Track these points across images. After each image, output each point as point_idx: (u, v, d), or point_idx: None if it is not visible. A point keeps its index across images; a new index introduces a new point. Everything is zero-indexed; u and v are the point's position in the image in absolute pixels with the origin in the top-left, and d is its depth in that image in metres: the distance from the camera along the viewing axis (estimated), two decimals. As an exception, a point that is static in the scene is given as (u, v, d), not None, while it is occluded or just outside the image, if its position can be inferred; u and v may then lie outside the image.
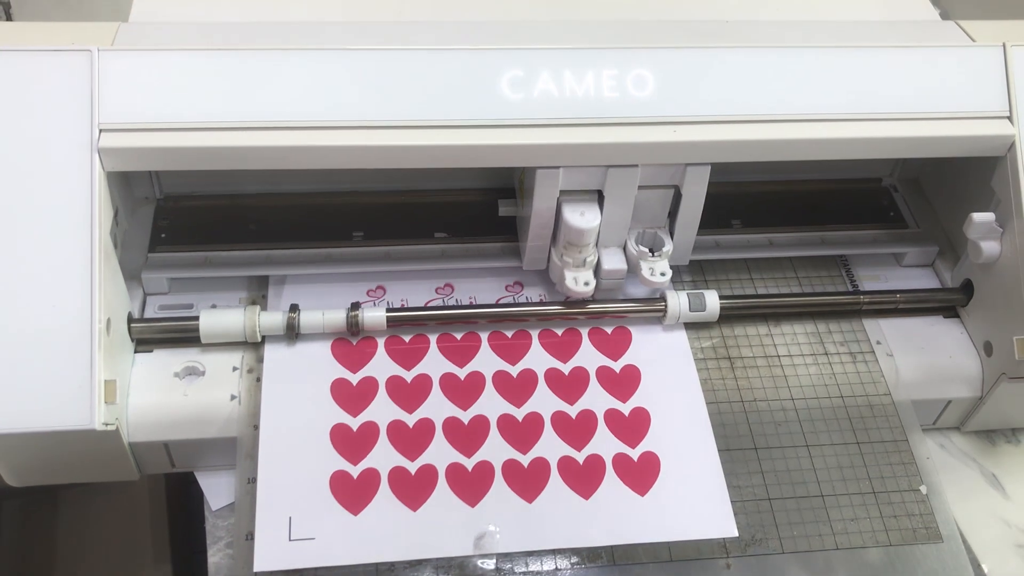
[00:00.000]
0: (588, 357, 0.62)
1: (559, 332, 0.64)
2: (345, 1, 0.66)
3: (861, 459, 0.60)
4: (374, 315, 0.61)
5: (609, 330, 0.64)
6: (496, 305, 0.65)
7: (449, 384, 0.60)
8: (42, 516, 0.88)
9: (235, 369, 0.60)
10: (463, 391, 0.60)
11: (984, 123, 0.61)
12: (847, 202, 0.74)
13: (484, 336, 0.63)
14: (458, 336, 0.63)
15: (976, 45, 0.62)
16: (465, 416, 0.59)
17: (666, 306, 0.63)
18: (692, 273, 0.69)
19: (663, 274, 0.62)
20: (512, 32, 0.61)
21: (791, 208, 0.72)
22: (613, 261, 0.63)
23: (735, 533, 0.56)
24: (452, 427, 0.59)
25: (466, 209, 0.70)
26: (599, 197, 0.61)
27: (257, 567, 0.52)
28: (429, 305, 0.65)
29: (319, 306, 0.61)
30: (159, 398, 0.58)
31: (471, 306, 0.65)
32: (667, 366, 0.62)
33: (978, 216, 0.62)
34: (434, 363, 0.61)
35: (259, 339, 0.61)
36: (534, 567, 0.56)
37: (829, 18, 0.68)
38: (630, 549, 0.56)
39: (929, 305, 0.68)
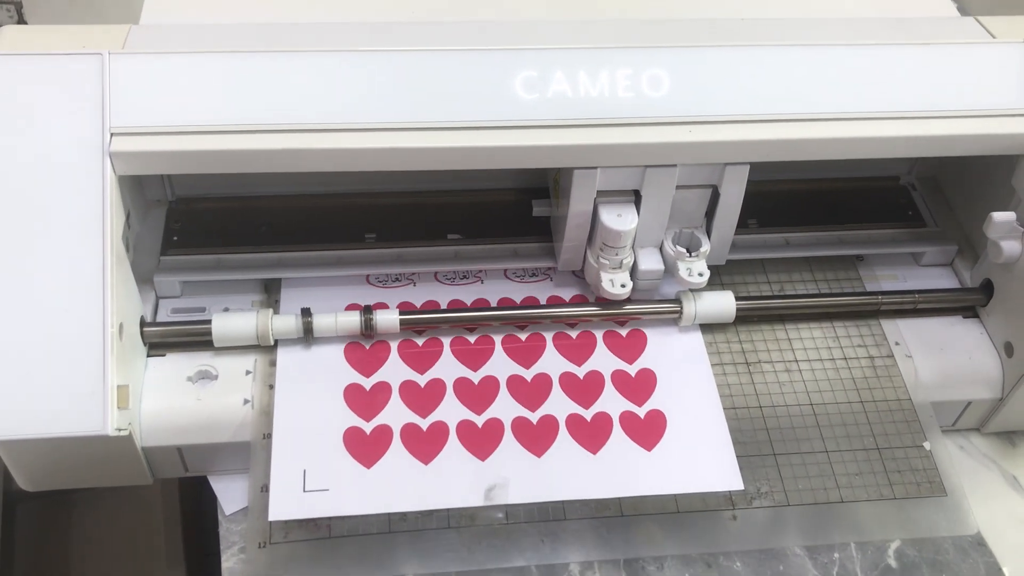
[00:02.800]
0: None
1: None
2: (357, 2, 0.65)
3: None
4: (387, 317, 0.61)
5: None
6: (509, 307, 0.64)
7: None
8: (56, 520, 0.88)
9: (248, 373, 0.60)
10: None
11: (1005, 121, 0.60)
12: (864, 201, 0.73)
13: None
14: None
15: (996, 41, 0.61)
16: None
17: (681, 307, 0.63)
18: (707, 273, 0.68)
19: (701, 274, 0.61)
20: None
21: (808, 207, 0.71)
22: (650, 262, 0.62)
23: (741, 486, 0.56)
24: (464, 388, 0.60)
25: (479, 210, 0.69)
26: (636, 198, 0.60)
27: (272, 516, 0.54)
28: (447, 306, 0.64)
29: (332, 309, 0.61)
30: (172, 403, 0.58)
31: (484, 308, 0.64)
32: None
33: (998, 215, 0.61)
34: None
35: (272, 343, 0.60)
36: (543, 518, 0.57)
37: (846, 15, 0.67)
38: (638, 501, 0.58)
39: (948, 305, 0.67)
